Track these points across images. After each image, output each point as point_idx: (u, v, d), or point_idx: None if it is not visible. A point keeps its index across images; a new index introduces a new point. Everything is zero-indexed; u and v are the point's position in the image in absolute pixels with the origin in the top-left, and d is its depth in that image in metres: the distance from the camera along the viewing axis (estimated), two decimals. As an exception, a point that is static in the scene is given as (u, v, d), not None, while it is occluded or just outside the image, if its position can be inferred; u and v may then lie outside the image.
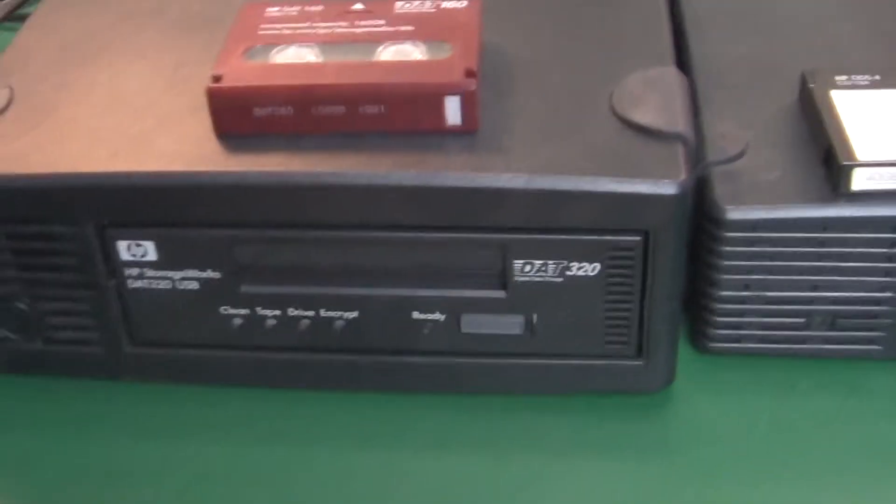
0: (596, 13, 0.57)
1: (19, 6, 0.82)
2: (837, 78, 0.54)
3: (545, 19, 0.57)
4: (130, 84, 0.54)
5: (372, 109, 0.48)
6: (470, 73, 0.48)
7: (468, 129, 0.48)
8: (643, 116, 0.49)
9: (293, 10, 0.53)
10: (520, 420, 0.52)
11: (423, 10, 0.52)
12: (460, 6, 0.52)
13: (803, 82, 0.54)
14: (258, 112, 0.49)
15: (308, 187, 0.47)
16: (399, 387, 0.53)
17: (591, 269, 0.48)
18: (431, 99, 0.48)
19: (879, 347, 0.53)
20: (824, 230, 0.50)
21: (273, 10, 0.53)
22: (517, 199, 0.47)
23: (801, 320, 0.52)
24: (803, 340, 0.53)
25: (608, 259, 0.48)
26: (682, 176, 0.46)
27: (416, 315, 0.50)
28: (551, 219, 0.47)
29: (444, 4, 0.53)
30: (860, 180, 0.49)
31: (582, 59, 0.53)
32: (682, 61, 0.58)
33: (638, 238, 0.47)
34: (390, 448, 0.51)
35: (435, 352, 0.51)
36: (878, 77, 0.54)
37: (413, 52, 0.50)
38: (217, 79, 0.49)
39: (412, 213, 0.48)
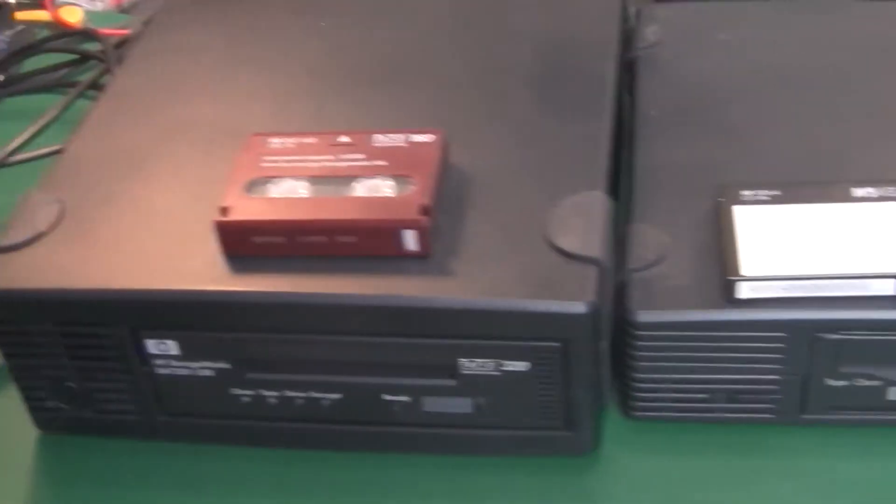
0: (548, 130, 0.68)
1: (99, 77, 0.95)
2: (743, 193, 0.64)
3: (503, 137, 0.68)
4: (163, 200, 0.66)
5: (347, 238, 0.60)
6: (424, 210, 0.59)
7: (423, 255, 0.60)
8: (566, 242, 0.60)
9: (291, 142, 0.64)
10: (474, 477, 0.64)
11: (396, 145, 0.63)
12: (427, 140, 0.63)
13: (717, 195, 0.65)
14: (257, 240, 0.60)
15: (294, 305, 0.60)
16: (374, 448, 0.65)
17: (522, 366, 0.60)
18: (392, 232, 0.59)
19: (772, 416, 0.64)
20: (719, 330, 0.61)
21: (275, 142, 0.65)
22: (461, 316, 0.59)
23: (706, 395, 0.63)
24: (710, 410, 0.64)
25: (535, 359, 0.60)
26: (591, 297, 0.58)
27: (386, 397, 0.62)
28: (489, 329, 0.59)
29: (414, 138, 0.64)
30: (745, 291, 0.60)
31: (527, 181, 0.64)
32: (629, 163, 0.69)
33: (557, 345, 0.59)
34: (365, 495, 0.64)
35: (402, 424, 0.63)
36: (778, 192, 0.64)
37: (382, 186, 0.61)
38: (224, 211, 0.61)
39: (379, 325, 0.59)
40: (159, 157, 0.69)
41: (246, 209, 0.61)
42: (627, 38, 0.79)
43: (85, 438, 0.68)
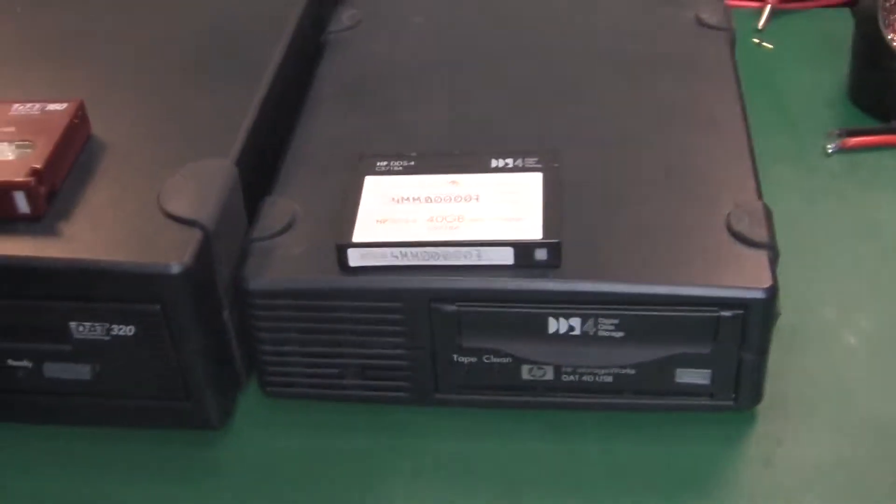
0: (194, 106, 0.68)
1: None
2: (379, 163, 0.64)
3: (147, 111, 0.69)
4: None
5: (-36, 200, 0.60)
6: (34, 173, 0.60)
7: (35, 217, 0.60)
8: (173, 205, 0.60)
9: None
10: (91, 448, 0.64)
11: (30, 113, 0.64)
12: (60, 108, 0.64)
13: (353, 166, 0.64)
14: None
15: None
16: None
17: (128, 330, 0.60)
18: (3, 193, 0.60)
19: (405, 394, 0.63)
20: (334, 299, 0.60)
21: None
22: (66, 276, 0.59)
23: (336, 371, 0.63)
24: (343, 387, 0.63)
25: (139, 323, 0.59)
26: (187, 259, 0.58)
27: (10, 363, 0.62)
28: (94, 291, 0.59)
29: (50, 107, 0.64)
30: (355, 258, 0.60)
31: (160, 150, 0.65)
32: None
33: (157, 307, 0.59)
34: None
35: (26, 391, 0.63)
36: (412, 163, 0.64)
37: (5, 151, 0.62)
38: None
39: (-8, 285, 0.60)
40: None
41: None
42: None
43: None
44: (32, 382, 0.63)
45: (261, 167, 0.66)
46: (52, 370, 0.62)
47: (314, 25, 0.79)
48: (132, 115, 0.68)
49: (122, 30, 0.77)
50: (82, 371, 0.62)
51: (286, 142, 0.69)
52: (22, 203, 0.60)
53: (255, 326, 0.62)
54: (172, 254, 0.58)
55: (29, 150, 0.61)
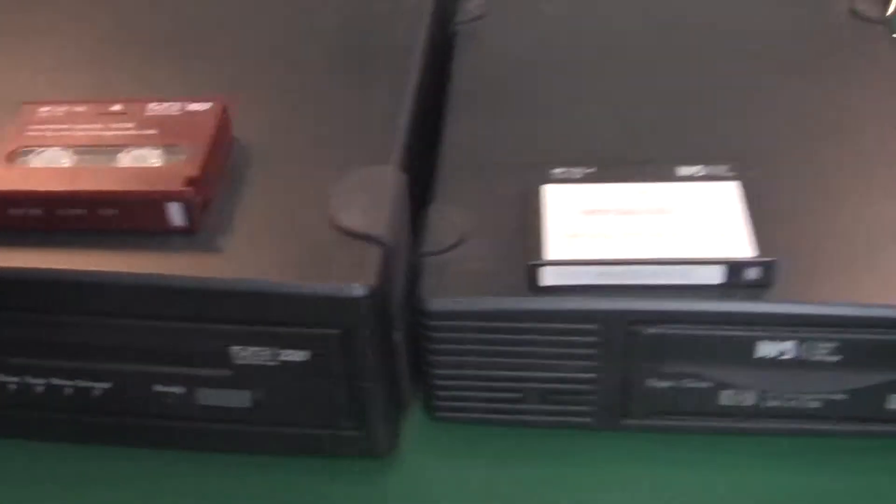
0: (342, 104, 0.62)
1: None
2: (553, 171, 0.58)
3: (292, 109, 0.62)
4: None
5: (108, 211, 0.54)
6: (191, 182, 0.54)
7: (191, 230, 0.54)
8: (347, 219, 0.54)
9: (61, 110, 0.59)
10: (252, 478, 0.58)
11: (169, 113, 0.58)
12: (203, 108, 0.58)
13: (526, 173, 0.59)
14: (13, 212, 0.55)
15: (50, 282, 0.54)
16: (146, 444, 0.59)
17: (300, 355, 0.54)
18: (156, 205, 0.54)
19: (589, 419, 0.58)
20: (523, 321, 0.55)
21: (44, 111, 0.59)
22: (230, 298, 0.53)
23: (516, 395, 0.58)
24: (520, 412, 0.58)
25: (314, 348, 0.54)
26: (372, 279, 0.52)
27: (158, 388, 0.56)
28: (262, 314, 0.53)
29: (191, 107, 0.58)
30: (549, 277, 0.54)
31: (314, 155, 0.59)
32: (437, 142, 0.63)
33: (336, 332, 0.53)
34: (133, 495, 0.58)
35: (176, 417, 0.57)
36: (593, 170, 0.59)
37: (150, 157, 0.56)
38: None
39: (141, 306, 0.54)
40: None
41: (2, 180, 0.55)
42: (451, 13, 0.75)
43: None
44: (184, 409, 0.57)
45: (415, 171, 0.60)
46: (208, 397, 0.56)
47: (442, 15, 0.73)
48: (274, 115, 0.62)
49: (249, 23, 0.71)
50: (242, 398, 0.56)
51: (435, 144, 0.64)
52: (177, 215, 0.54)
53: (431, 349, 0.56)
54: (354, 274, 0.52)
55: (179, 157, 0.55)
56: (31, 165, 0.56)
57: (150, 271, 0.53)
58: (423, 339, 0.56)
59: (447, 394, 0.58)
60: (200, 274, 0.53)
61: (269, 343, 0.54)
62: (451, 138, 0.64)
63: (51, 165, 0.56)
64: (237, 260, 0.53)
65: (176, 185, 0.54)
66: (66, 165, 0.56)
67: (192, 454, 0.59)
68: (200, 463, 0.59)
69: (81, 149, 0.57)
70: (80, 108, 0.59)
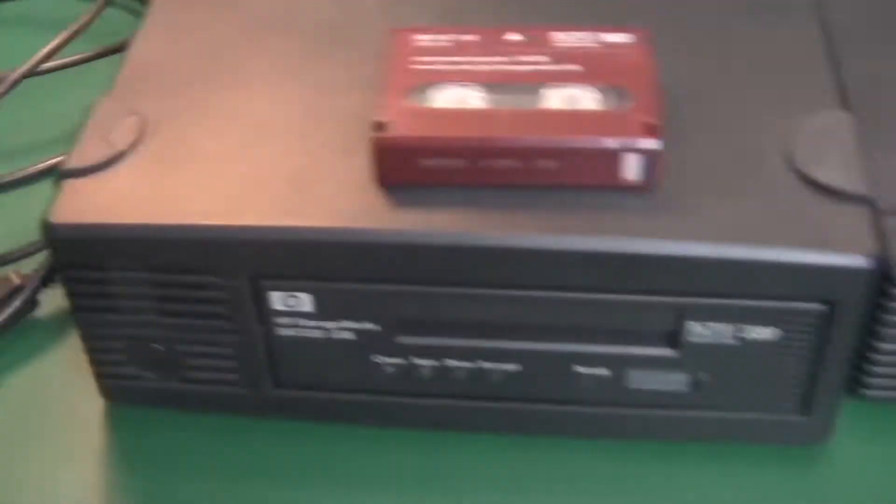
0: (748, 39, 0.54)
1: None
2: None
3: (704, 43, 0.54)
4: (270, 112, 0.51)
5: (547, 164, 0.46)
6: (652, 130, 0.46)
7: (646, 188, 0.46)
8: (826, 175, 0.47)
9: (445, 39, 0.50)
10: (677, 467, 0.51)
11: (588, 46, 0.49)
12: (628, 42, 0.50)
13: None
14: (425, 163, 0.46)
15: (479, 249, 0.45)
16: (555, 432, 0.52)
17: (767, 333, 0.47)
18: (611, 157, 0.46)
19: None
20: None
21: (424, 39, 0.50)
22: (699, 267, 0.45)
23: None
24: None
25: (787, 325, 0.46)
26: (871, 248, 0.45)
27: (578, 369, 0.49)
28: (732, 285, 0.45)
29: (608, 38, 0.50)
30: None
31: (745, 96, 0.51)
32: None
33: (822, 307, 0.46)
34: (537, 490, 0.50)
35: (594, 403, 0.50)
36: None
37: (584, 98, 0.47)
38: (381, 126, 0.46)
39: (585, 277, 0.46)
40: (251, 59, 0.54)
41: (412, 123, 0.46)
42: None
43: (164, 413, 0.53)
44: (604, 393, 0.49)
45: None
46: (641, 380, 0.49)
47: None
48: (679, 47, 0.54)
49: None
50: (679, 381, 0.49)
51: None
52: (633, 169, 0.46)
53: (883, 321, 0.49)
54: (852, 241, 0.45)
55: (624, 101, 0.47)
56: (437, 105, 0.47)
57: (601, 235, 0.45)
58: (878, 308, 0.49)
59: (883, 370, 0.51)
60: (662, 238, 0.45)
61: (734, 319, 0.46)
62: (852, 75, 0.55)
63: (461, 106, 0.47)
64: (702, 221, 0.46)
65: (636, 134, 0.45)
66: (481, 106, 0.47)
67: (602, 442, 0.51)
68: (611, 453, 0.51)
69: (492, 87, 0.48)
70: (468, 37, 0.50)
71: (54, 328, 0.57)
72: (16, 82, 0.65)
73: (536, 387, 0.49)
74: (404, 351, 0.49)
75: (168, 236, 0.46)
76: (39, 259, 0.58)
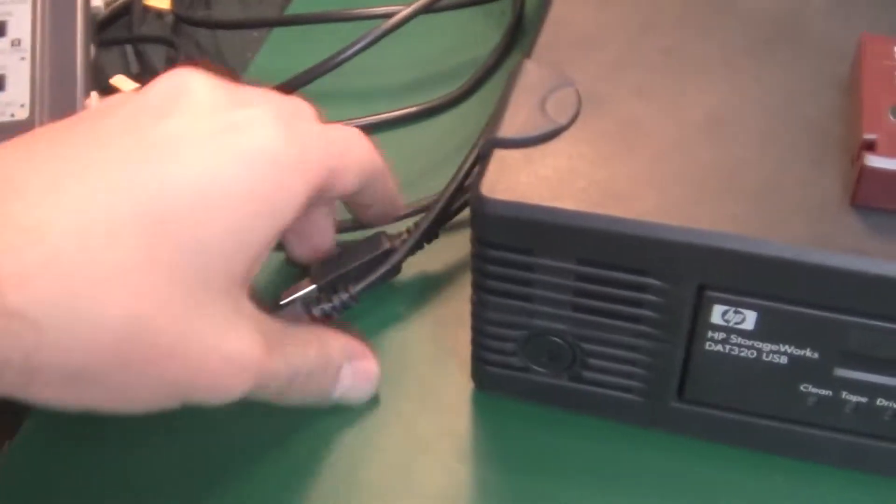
0: None
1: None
2: None
3: None
4: (724, 104, 0.47)
5: None
6: None
7: None
8: None
9: (921, 53, 0.46)
10: None
11: None
12: None
13: None
14: (913, 191, 0.42)
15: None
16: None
17: None
18: None
19: None
20: None
21: (902, 52, 0.46)
22: None
23: None
24: None
25: None
26: None
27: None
28: None
29: None
30: None
31: None
32: None
33: None
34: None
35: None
36: None
37: None
38: (870, 145, 0.42)
39: None
40: (690, 38, 0.50)
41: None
42: None
43: (528, 408, 0.50)
44: None
45: None
46: None
47: None
48: None
49: None
50: None
51: None
52: None
53: None
54: None
55: None
56: (921, 128, 0.43)
57: None
58: None
59: None
60: None
61: None
62: None
63: None
64: None
65: None
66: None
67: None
68: None
69: None
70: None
71: (413, 297, 0.53)
72: (407, 18, 0.61)
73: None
74: (837, 384, 0.45)
75: (614, 229, 0.43)
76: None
